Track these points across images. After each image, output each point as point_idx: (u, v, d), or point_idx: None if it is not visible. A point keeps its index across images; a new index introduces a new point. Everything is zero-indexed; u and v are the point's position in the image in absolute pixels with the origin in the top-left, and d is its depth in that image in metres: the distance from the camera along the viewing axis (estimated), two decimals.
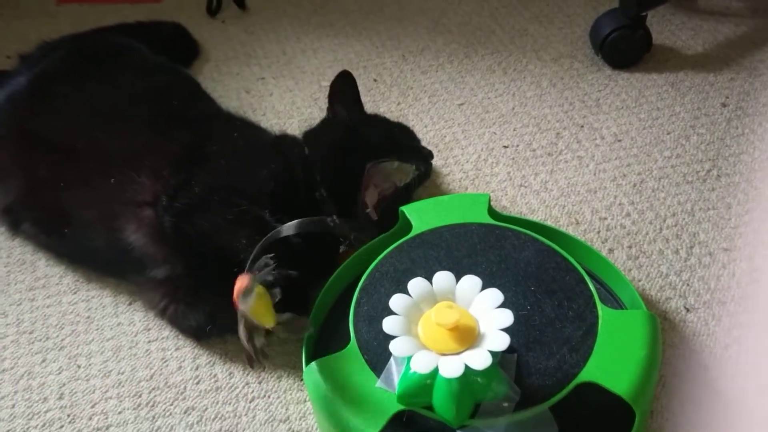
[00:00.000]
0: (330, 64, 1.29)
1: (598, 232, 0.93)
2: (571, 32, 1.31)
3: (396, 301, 0.65)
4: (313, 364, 0.69)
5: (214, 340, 0.84)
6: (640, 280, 0.87)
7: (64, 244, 0.94)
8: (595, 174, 1.01)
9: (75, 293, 0.92)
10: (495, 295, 0.64)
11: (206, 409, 0.78)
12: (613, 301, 0.79)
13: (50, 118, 0.96)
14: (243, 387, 0.80)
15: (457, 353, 0.61)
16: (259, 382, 0.80)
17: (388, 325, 0.63)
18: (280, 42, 1.36)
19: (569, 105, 1.14)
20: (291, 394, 0.78)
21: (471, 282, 0.66)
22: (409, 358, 0.61)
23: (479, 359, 0.59)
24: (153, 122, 0.94)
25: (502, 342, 0.60)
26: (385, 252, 0.78)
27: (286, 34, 1.39)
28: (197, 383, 0.80)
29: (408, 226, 0.82)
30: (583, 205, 0.97)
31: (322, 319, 0.81)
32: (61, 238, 0.92)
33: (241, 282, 0.68)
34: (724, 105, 1.11)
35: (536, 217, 0.96)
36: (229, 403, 0.78)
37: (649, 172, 1.01)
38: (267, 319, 0.67)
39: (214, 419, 0.77)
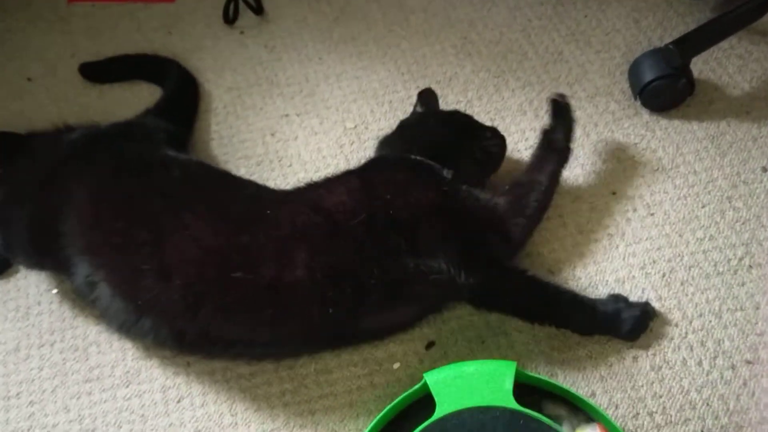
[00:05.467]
0: (354, 97, 1.25)
1: None
2: (609, 57, 1.23)
3: None
4: None
5: None
6: (661, 396, 0.90)
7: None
8: (624, 259, 1.01)
9: (127, 386, 0.99)
10: None
11: None
12: None
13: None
14: None
15: None
16: None
17: None
18: (303, 63, 1.31)
19: (602, 164, 1.10)
20: None
21: None
22: None
23: None
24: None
25: None
26: None
27: (308, 52, 1.32)
28: None
29: (429, 398, 0.82)
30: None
31: None
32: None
33: None
34: (764, 169, 1.06)
35: None
36: None
37: (680, 258, 1.00)
38: None
39: None
